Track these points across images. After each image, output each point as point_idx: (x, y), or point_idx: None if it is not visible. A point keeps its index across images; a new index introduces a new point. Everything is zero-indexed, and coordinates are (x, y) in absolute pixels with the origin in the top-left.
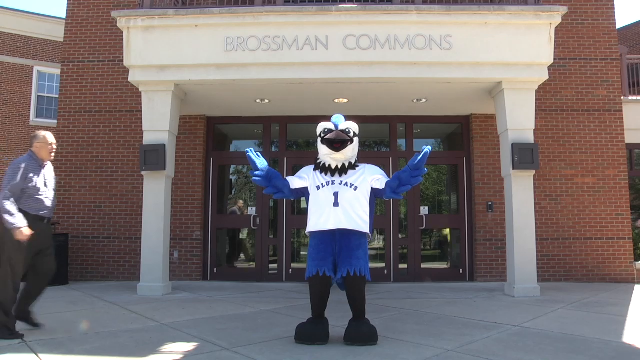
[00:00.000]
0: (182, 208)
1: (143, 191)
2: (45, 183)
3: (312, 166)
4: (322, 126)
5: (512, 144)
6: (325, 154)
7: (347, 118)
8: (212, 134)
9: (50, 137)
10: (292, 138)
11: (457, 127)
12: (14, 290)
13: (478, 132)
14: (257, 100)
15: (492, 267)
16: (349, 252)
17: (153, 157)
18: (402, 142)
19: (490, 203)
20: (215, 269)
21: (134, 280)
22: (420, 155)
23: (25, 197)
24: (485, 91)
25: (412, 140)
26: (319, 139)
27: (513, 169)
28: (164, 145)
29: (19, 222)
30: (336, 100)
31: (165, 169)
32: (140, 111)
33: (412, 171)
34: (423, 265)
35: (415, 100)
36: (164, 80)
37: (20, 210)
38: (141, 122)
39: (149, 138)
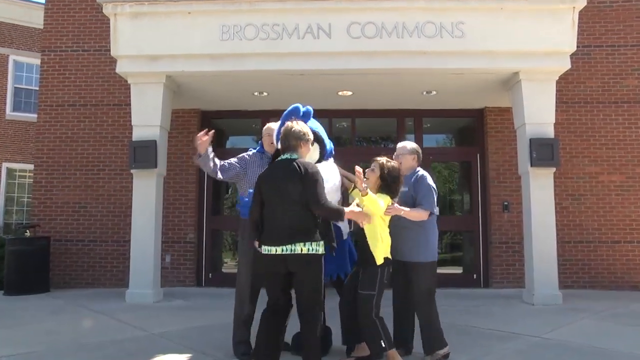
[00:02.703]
0: (174, 209)
1: (132, 191)
2: None
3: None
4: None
5: (530, 139)
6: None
7: (351, 112)
8: (207, 129)
9: None
10: None
11: (469, 121)
12: None
13: (493, 126)
14: (255, 93)
15: (508, 272)
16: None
17: (143, 154)
18: (410, 138)
19: (506, 203)
20: (210, 275)
21: (122, 287)
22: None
23: None
24: (501, 82)
25: (421, 135)
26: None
27: (531, 166)
28: (155, 141)
29: None
30: (340, 93)
31: (156, 167)
32: (129, 105)
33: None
34: None
35: (424, 93)
36: (155, 71)
37: None
38: (130, 117)
39: (138, 134)
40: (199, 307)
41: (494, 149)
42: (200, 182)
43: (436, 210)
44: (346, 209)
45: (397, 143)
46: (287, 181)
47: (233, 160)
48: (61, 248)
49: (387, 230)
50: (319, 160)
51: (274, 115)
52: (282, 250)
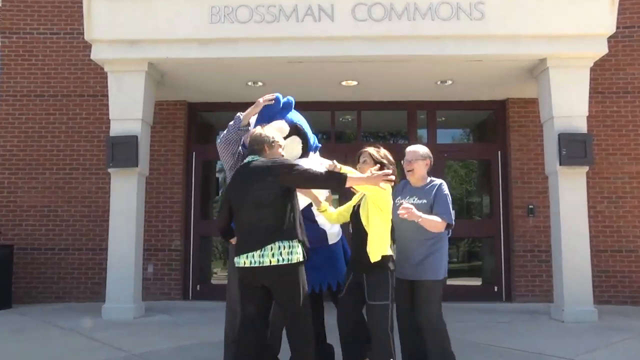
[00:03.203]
0: (158, 212)
1: (110, 192)
2: None
3: None
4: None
5: (559, 135)
6: None
7: (356, 104)
8: (195, 123)
9: None
10: None
11: (490, 114)
12: None
13: (516, 120)
14: (249, 83)
15: (534, 284)
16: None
17: (123, 151)
18: (422, 133)
19: (531, 206)
20: (198, 286)
21: (98, 301)
22: None
23: None
24: (526, 70)
25: (434, 130)
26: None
27: (560, 164)
28: (136, 137)
29: None
30: (344, 83)
31: (137, 166)
32: (106, 96)
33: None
34: (449, 282)
35: (439, 83)
36: (135, 58)
37: None
38: (107, 109)
39: (117, 128)
40: (186, 323)
41: (518, 146)
42: (187, 183)
43: (452, 221)
44: (351, 174)
45: (407, 139)
46: (251, 182)
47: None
48: (26, 257)
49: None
50: (302, 156)
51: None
52: (251, 263)
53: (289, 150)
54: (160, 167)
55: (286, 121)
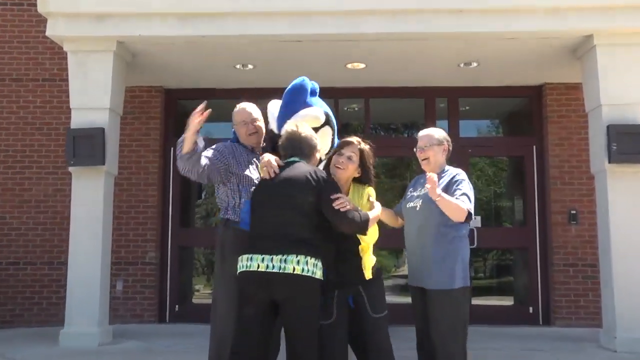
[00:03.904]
0: (129, 219)
1: (71, 196)
2: None
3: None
4: (269, 115)
5: (608, 127)
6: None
7: (364, 91)
8: (174, 113)
9: None
10: None
11: (523, 102)
12: None
13: (555, 109)
14: (237, 66)
15: (578, 305)
16: None
17: (86, 146)
18: (442, 125)
19: (573, 212)
20: (177, 307)
21: (55, 325)
22: None
23: None
24: (567, 50)
25: (457, 121)
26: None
27: (609, 162)
28: (103, 129)
29: None
30: (349, 66)
31: (104, 164)
32: (66, 80)
33: None
34: (474, 301)
35: (462, 65)
36: (102, 35)
37: None
38: (67, 97)
39: (80, 119)
40: (162, 351)
41: (557, 140)
42: (164, 184)
43: (474, 216)
44: (374, 212)
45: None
46: (292, 185)
47: (209, 155)
48: None
49: None
50: (330, 149)
51: (263, 95)
52: (267, 267)
53: (321, 143)
54: (132, 166)
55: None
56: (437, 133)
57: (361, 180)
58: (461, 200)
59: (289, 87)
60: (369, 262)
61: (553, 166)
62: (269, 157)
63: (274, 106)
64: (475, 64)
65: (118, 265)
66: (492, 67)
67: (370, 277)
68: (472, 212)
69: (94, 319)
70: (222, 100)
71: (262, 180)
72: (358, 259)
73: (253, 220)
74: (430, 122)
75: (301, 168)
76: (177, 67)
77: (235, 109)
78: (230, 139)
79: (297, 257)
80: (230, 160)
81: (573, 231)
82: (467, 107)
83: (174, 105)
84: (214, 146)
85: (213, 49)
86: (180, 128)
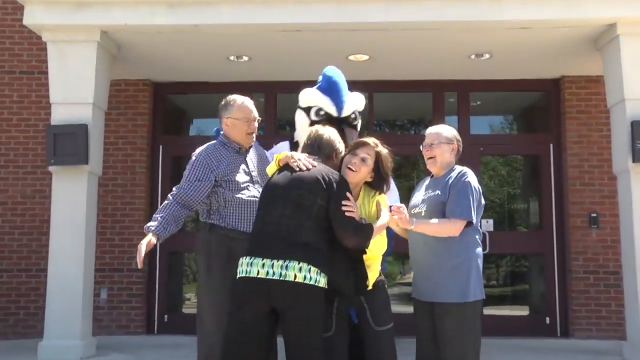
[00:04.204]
0: (114, 222)
1: (51, 197)
2: None
3: (288, 147)
4: (312, 99)
5: (633, 122)
6: None
7: (368, 84)
8: (162, 108)
9: None
10: (285, 115)
11: (538, 97)
12: None
13: (574, 104)
14: (231, 58)
15: (599, 315)
16: None
17: (68, 144)
18: (452, 121)
19: (594, 215)
20: (166, 317)
21: (33, 337)
22: None
23: None
24: (587, 40)
25: (467, 117)
26: (306, 119)
27: (633, 161)
28: (86, 125)
29: None
30: (351, 58)
31: (87, 163)
32: (46, 73)
33: None
34: (487, 311)
35: (473, 57)
36: (84, 24)
37: None
38: (47, 90)
39: (61, 115)
40: None
41: (576, 137)
42: (152, 185)
43: (476, 220)
44: (380, 221)
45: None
46: (301, 185)
47: (194, 176)
48: None
49: None
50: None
51: (258, 88)
52: (267, 273)
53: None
54: (118, 165)
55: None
56: (446, 131)
57: (373, 185)
58: (452, 215)
59: (330, 75)
60: (373, 273)
61: (572, 165)
62: (299, 155)
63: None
64: (487, 56)
65: (102, 272)
66: (505, 59)
67: (371, 287)
68: (473, 216)
69: (76, 330)
70: (214, 95)
71: (272, 179)
72: (361, 267)
73: (257, 220)
74: (438, 118)
75: (315, 168)
76: (166, 59)
77: (236, 102)
78: (214, 136)
79: (299, 263)
80: (218, 171)
81: (594, 236)
82: (478, 102)
83: (163, 100)
84: (194, 165)
85: (205, 39)
86: (170, 125)
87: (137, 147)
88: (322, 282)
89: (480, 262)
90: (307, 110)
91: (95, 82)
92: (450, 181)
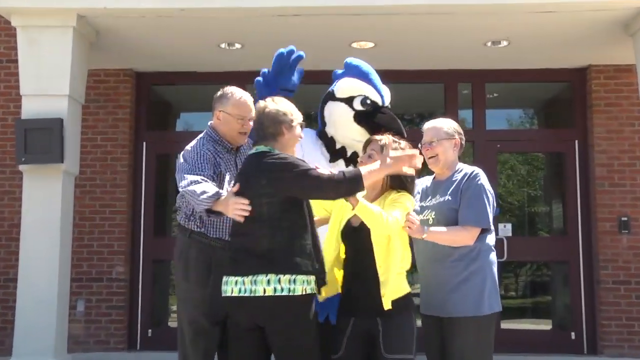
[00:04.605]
0: (92, 227)
1: (22, 199)
2: None
3: (315, 139)
4: (354, 88)
5: None
6: (362, 140)
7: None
8: (146, 101)
9: None
10: None
11: (562, 88)
12: None
13: (602, 96)
14: (223, 45)
15: (631, 330)
16: None
17: (41, 140)
18: (466, 114)
19: (624, 219)
20: (150, 331)
21: (1, 355)
22: None
23: None
24: (617, 24)
25: (483, 110)
26: (349, 110)
27: None
28: (61, 120)
29: None
30: (355, 45)
31: (62, 162)
32: (16, 62)
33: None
34: (505, 325)
35: (489, 44)
36: (58, 7)
37: None
38: (17, 81)
39: (32, 108)
40: None
41: (604, 133)
42: (136, 185)
43: (487, 224)
44: (368, 167)
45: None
46: (244, 188)
47: (191, 163)
48: None
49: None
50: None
51: (252, 79)
52: (240, 291)
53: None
54: (96, 164)
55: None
56: (446, 124)
57: (392, 184)
58: (466, 223)
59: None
60: (390, 289)
61: (599, 164)
62: None
63: (358, 83)
64: (505, 43)
65: (79, 282)
66: (525, 46)
67: (390, 307)
68: (490, 222)
69: (49, 347)
70: (203, 86)
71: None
72: (375, 281)
73: (232, 230)
74: (451, 112)
75: (254, 159)
76: (150, 47)
77: (233, 96)
78: (206, 131)
79: (266, 276)
80: (211, 166)
81: (624, 242)
82: (495, 94)
83: (147, 92)
84: (190, 159)
85: (193, 24)
86: (155, 119)
87: (118, 143)
88: (299, 289)
89: (495, 269)
90: (349, 100)
91: (71, 71)
92: (461, 184)
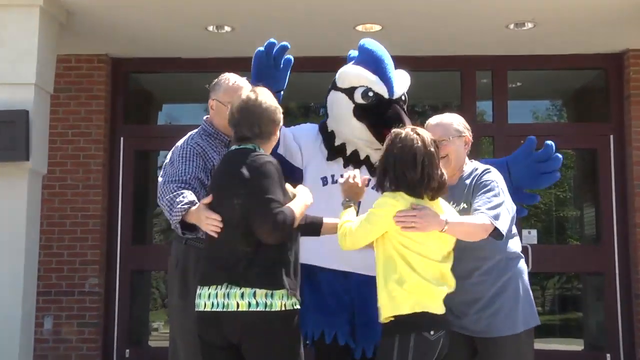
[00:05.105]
0: (63, 233)
1: None
2: None
3: (317, 134)
4: (356, 78)
5: None
6: (362, 138)
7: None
8: (124, 91)
9: None
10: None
11: (595, 76)
12: None
13: None
14: (210, 28)
15: None
16: (376, 315)
17: (4, 135)
18: (485, 106)
19: None
20: (127, 351)
21: None
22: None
23: None
24: None
25: (505, 102)
26: (349, 103)
27: None
28: (27, 112)
29: None
30: (360, 28)
31: (28, 159)
32: None
33: (536, 164)
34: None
35: (512, 26)
36: None
37: None
38: None
39: None
40: None
41: None
42: (112, 186)
43: (503, 226)
44: (297, 201)
45: (461, 115)
46: (223, 189)
47: (188, 173)
48: None
49: (424, 261)
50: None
51: (245, 66)
52: (213, 305)
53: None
54: (67, 162)
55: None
56: (455, 120)
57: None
58: (485, 211)
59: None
60: (383, 302)
61: (638, 163)
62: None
63: (361, 71)
64: (530, 25)
65: (47, 295)
66: (553, 29)
67: (384, 321)
68: (504, 226)
69: None
70: (189, 74)
71: (214, 173)
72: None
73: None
74: (468, 104)
75: (237, 159)
76: (128, 29)
77: (225, 82)
78: (200, 125)
79: (240, 289)
80: (206, 163)
81: None
82: (518, 84)
83: (125, 80)
84: (176, 157)
85: (177, 4)
86: (134, 111)
87: (92, 139)
88: (277, 304)
89: (526, 278)
90: (350, 91)
91: (38, 57)
92: (472, 183)
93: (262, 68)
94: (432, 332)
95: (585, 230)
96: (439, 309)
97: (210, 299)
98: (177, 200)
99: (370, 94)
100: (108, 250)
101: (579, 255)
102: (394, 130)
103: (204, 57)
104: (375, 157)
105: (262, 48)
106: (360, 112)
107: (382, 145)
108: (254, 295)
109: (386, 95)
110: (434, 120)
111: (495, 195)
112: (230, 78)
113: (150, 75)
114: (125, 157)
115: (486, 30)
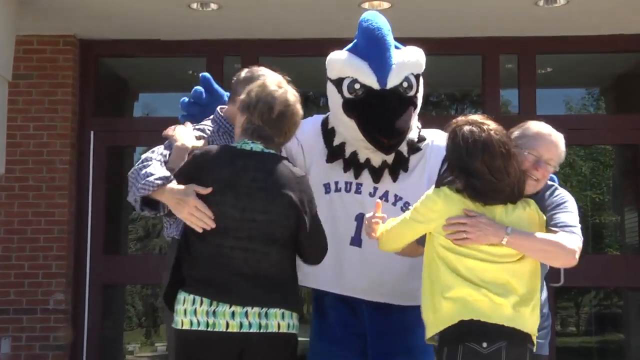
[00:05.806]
0: (23, 242)
1: None
2: None
3: (318, 130)
4: (341, 67)
5: None
6: (356, 137)
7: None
8: (94, 78)
9: None
10: None
11: (637, 61)
12: None
13: None
14: (194, 6)
15: None
16: (396, 347)
17: None
18: (510, 95)
19: None
20: None
21: None
22: None
23: None
24: None
25: (532, 90)
26: (338, 96)
27: None
28: None
29: None
30: (366, 6)
31: None
32: None
33: None
34: None
35: (541, 3)
36: None
37: None
38: None
39: None
40: None
41: None
42: (80, 188)
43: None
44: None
45: (481, 106)
46: (271, 200)
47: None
48: None
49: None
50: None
51: (233, 48)
52: (242, 325)
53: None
54: (28, 159)
55: None
56: (552, 134)
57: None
58: (576, 232)
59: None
60: (429, 309)
61: None
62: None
63: (348, 58)
64: (562, 2)
65: (4, 314)
66: (589, 6)
67: (430, 342)
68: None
69: None
70: (169, 59)
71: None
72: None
73: (200, 244)
74: (491, 92)
75: (281, 167)
76: (99, 6)
77: (252, 76)
78: (217, 122)
79: (280, 309)
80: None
81: None
82: (549, 69)
83: (95, 66)
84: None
85: None
86: (106, 101)
87: (58, 133)
88: (297, 325)
89: (545, 301)
90: (338, 83)
91: None
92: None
93: (202, 105)
94: (484, 344)
95: (627, 239)
96: (497, 317)
97: (235, 318)
98: (147, 171)
99: (357, 85)
100: (76, 262)
101: (619, 267)
102: (455, 119)
103: (187, 39)
104: (376, 160)
105: (185, 98)
106: (348, 108)
107: (373, 147)
108: (291, 316)
109: (375, 86)
110: (560, 138)
111: (573, 208)
112: (267, 77)
113: (125, 60)
114: (96, 154)
115: (511, 7)
